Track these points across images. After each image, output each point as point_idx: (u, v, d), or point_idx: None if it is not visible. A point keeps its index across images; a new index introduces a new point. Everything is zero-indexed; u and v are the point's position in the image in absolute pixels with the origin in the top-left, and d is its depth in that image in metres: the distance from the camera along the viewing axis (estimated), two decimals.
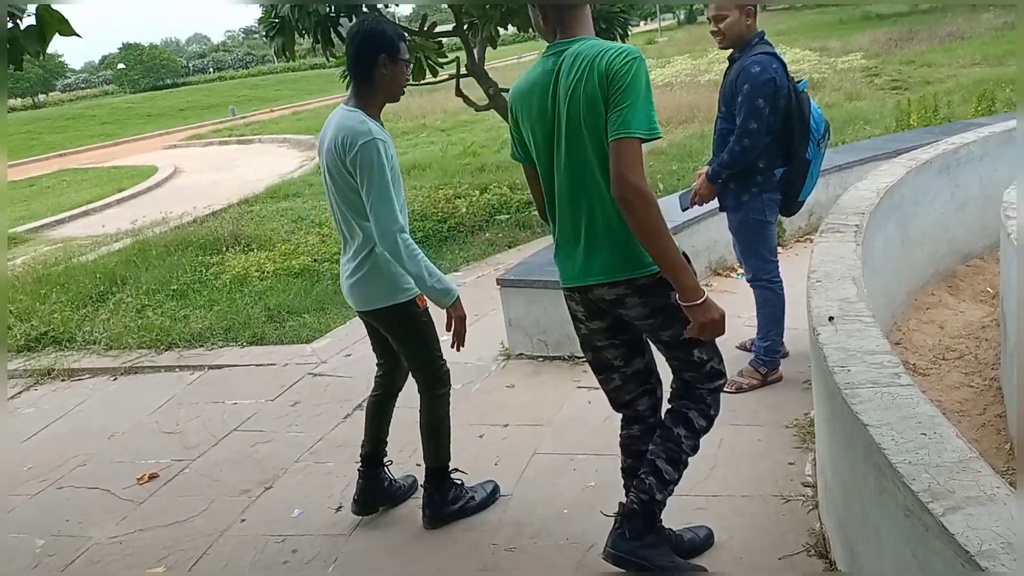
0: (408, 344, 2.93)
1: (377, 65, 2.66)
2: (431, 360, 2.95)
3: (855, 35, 23.58)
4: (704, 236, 5.14)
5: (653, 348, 2.50)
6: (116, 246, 8.60)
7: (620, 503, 2.50)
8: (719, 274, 5.33)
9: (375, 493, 3.12)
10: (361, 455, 3.11)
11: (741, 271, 4.92)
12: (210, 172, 16.02)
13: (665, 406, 2.52)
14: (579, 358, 4.25)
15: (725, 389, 3.66)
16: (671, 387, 2.50)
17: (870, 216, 3.62)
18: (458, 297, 2.77)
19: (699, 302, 2.16)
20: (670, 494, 2.45)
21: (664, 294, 2.23)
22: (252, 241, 7.99)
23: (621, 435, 2.60)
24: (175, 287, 6.70)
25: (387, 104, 2.82)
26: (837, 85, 14.62)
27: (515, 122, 2.36)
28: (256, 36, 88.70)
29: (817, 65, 17.38)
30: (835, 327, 2.39)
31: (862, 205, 3.74)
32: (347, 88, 3.06)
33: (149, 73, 56.07)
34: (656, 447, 2.44)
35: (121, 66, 58.04)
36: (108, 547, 3.20)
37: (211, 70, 68.69)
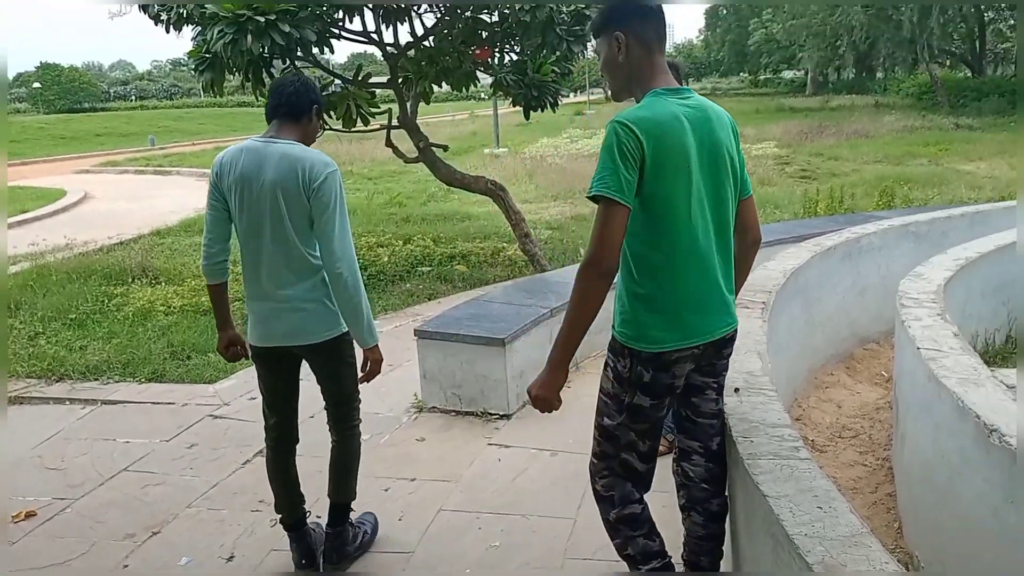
0: (341, 376, 2.91)
1: (310, 113, 2.78)
2: (356, 392, 2.99)
3: (769, 124, 24.94)
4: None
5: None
6: (13, 268, 8.16)
7: None
8: None
9: (313, 549, 3.00)
10: (290, 522, 2.98)
11: None
12: (122, 200, 15.47)
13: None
14: (492, 414, 4.24)
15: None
16: (704, 476, 2.37)
17: (776, 295, 3.78)
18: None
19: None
20: None
21: None
22: (160, 274, 7.74)
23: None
24: (73, 316, 6.40)
25: None
26: (752, 170, 15.25)
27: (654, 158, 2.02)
28: (184, 68, 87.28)
29: None
30: (740, 398, 2.47)
31: (769, 284, 3.90)
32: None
33: (66, 95, 54.18)
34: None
35: (36, 85, 55.96)
36: None
37: (133, 98, 66.95)
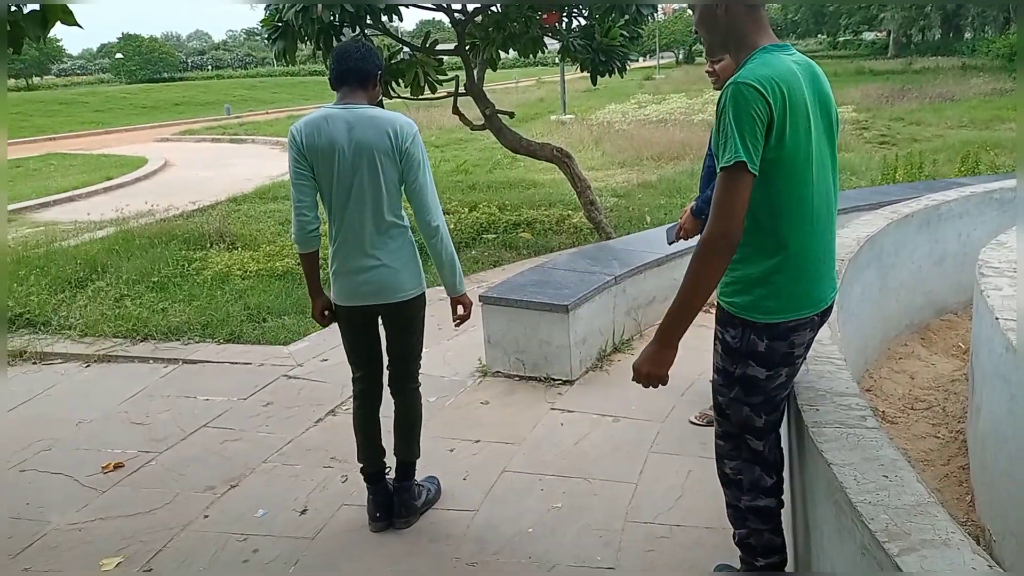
0: (415, 333, 3.04)
1: (375, 78, 2.84)
2: (421, 351, 3.11)
3: (848, 88, 24.01)
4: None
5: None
6: (99, 234, 8.54)
7: None
8: None
9: (391, 503, 3.11)
10: (371, 472, 3.10)
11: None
12: (200, 168, 15.96)
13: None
14: (555, 380, 4.28)
15: (696, 421, 3.75)
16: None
17: (849, 263, 3.69)
18: None
19: None
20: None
21: None
22: (237, 240, 7.98)
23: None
24: (156, 279, 6.67)
25: None
26: None
27: (781, 119, 1.92)
28: (257, 38, 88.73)
29: None
30: (807, 367, 2.44)
31: (842, 252, 3.80)
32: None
33: (146, 65, 55.83)
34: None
35: (119, 56, 57.76)
36: (66, 533, 3.17)
37: (209, 67, 68.53)
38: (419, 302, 2.97)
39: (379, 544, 2.99)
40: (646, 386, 2.14)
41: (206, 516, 3.26)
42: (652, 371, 2.09)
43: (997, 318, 2.78)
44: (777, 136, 1.91)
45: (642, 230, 7.02)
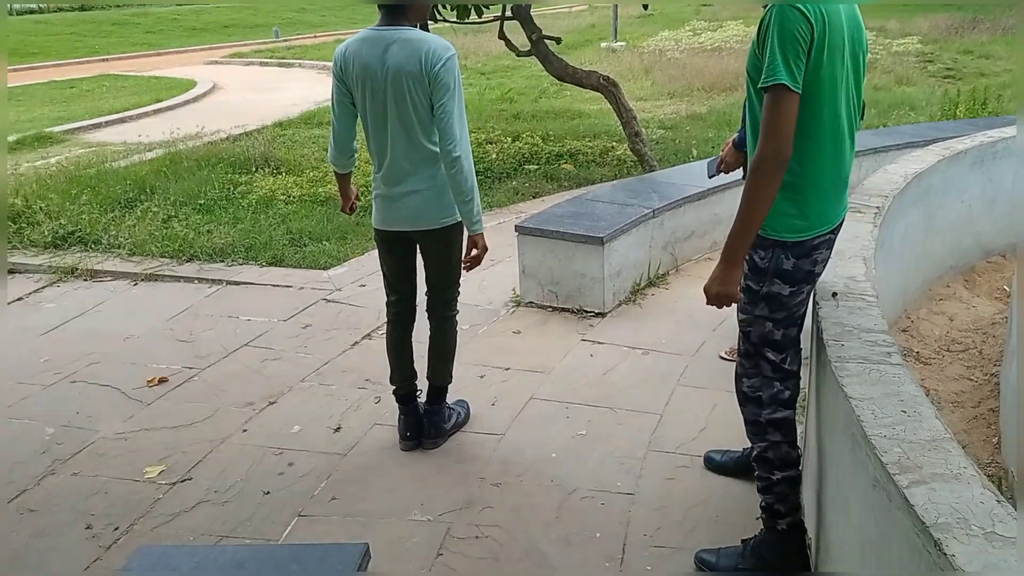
0: (451, 262, 3.05)
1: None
2: (458, 279, 3.13)
3: (915, 18, 22.86)
4: (728, 205, 5.11)
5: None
6: (148, 155, 8.68)
7: None
8: None
9: (421, 424, 3.21)
10: (402, 394, 3.20)
11: None
12: (248, 92, 16.01)
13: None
14: (587, 312, 4.30)
15: (726, 356, 3.75)
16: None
17: (894, 200, 3.59)
18: None
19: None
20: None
21: None
22: (282, 164, 8.05)
23: None
24: (202, 201, 6.79)
25: None
26: (889, 68, 14.26)
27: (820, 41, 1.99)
28: None
29: (872, 45, 16.89)
30: (836, 303, 2.41)
31: (887, 188, 3.70)
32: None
33: None
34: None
35: None
36: (113, 442, 3.34)
37: None
38: (455, 230, 2.97)
39: (408, 463, 3.09)
40: (719, 306, 2.21)
41: (244, 430, 3.39)
42: (721, 290, 2.16)
43: None
44: (816, 57, 1.98)
45: (688, 162, 6.91)
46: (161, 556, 2.08)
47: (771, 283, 2.22)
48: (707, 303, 2.23)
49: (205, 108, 14.03)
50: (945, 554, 1.38)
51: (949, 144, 4.59)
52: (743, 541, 2.47)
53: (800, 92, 1.95)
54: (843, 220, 2.29)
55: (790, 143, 1.98)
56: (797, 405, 2.38)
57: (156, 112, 13.46)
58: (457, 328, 3.21)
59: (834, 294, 2.50)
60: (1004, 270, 4.61)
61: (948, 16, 23.24)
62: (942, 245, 4.41)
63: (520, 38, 7.53)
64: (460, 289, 3.17)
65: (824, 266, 2.31)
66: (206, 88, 16.28)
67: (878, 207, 3.44)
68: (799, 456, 2.40)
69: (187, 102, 14.75)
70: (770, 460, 2.36)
